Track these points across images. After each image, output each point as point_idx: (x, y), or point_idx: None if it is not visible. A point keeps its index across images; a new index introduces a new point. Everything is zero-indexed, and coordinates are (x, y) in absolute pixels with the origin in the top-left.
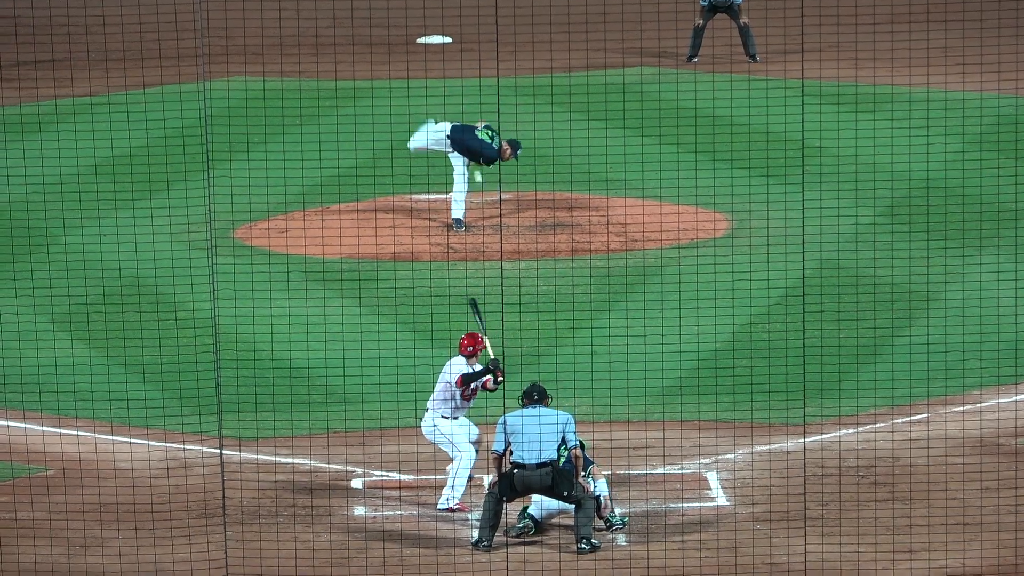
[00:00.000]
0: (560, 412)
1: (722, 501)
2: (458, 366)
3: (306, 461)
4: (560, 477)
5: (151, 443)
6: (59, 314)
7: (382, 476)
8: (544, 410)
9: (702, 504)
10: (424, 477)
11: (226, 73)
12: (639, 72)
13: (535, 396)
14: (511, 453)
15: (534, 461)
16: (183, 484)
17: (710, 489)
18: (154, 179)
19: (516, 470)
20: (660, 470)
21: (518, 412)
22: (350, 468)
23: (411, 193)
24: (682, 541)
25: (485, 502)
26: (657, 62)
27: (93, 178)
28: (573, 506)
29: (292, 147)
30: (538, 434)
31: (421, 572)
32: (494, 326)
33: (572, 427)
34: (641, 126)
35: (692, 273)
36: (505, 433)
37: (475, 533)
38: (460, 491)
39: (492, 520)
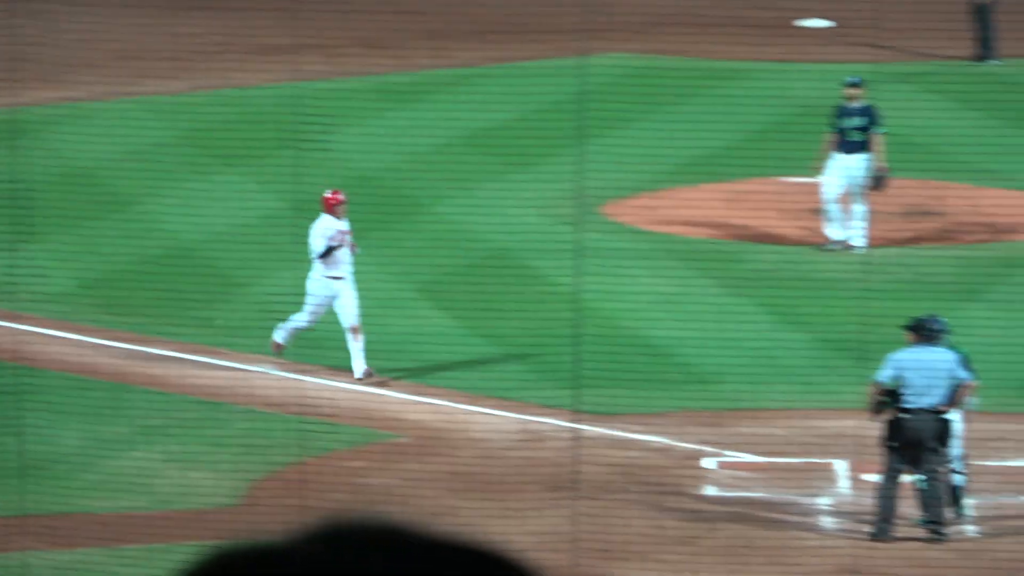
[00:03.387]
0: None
1: None
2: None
3: (659, 439)
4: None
5: (507, 414)
6: (423, 283)
7: (735, 457)
8: (936, 348)
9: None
10: (777, 459)
11: (605, 49)
12: (1017, 63)
13: (925, 332)
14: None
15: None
16: (536, 457)
17: None
18: (525, 152)
19: (904, 415)
20: (1015, 463)
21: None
22: (703, 447)
23: (781, 175)
24: None
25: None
26: None
27: (465, 149)
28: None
29: (665, 125)
30: (930, 374)
31: (769, 556)
32: (855, 312)
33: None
34: (1016, 117)
35: None
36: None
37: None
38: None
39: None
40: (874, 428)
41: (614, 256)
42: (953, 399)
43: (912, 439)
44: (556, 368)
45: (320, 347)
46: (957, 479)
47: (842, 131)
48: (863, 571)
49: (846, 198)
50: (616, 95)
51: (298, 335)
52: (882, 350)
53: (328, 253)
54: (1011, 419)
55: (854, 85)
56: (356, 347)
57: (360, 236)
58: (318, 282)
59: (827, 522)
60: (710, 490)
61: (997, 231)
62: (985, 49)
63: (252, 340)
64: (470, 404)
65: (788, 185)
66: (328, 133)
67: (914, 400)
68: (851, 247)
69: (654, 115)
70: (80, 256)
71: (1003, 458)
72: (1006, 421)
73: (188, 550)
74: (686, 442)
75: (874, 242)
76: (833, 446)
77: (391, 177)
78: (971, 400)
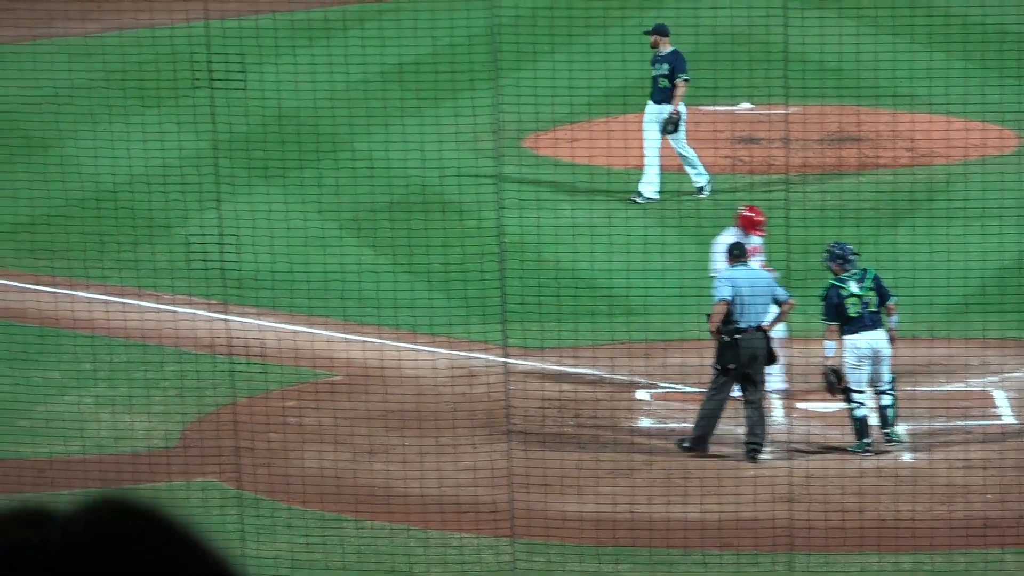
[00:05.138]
0: (764, 271)
1: (1009, 419)
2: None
3: (592, 371)
4: (771, 343)
5: (437, 351)
6: (347, 220)
7: (667, 388)
8: (755, 269)
9: (987, 422)
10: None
11: None
12: None
13: (737, 254)
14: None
15: (754, 324)
16: (468, 392)
17: (996, 407)
18: (441, 87)
19: (738, 336)
20: (945, 387)
21: (733, 271)
22: (636, 379)
23: (700, 105)
24: (966, 459)
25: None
26: None
27: (382, 85)
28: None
29: (580, 56)
30: (757, 295)
31: (706, 486)
32: (779, 239)
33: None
34: (929, 40)
35: (979, 189)
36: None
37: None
38: None
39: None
40: (807, 356)
41: (536, 189)
42: (778, 318)
43: (746, 358)
44: (484, 303)
45: (247, 287)
46: (888, 402)
47: (653, 80)
48: (799, 499)
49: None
50: (531, 27)
51: None
52: (805, 277)
53: None
54: (938, 344)
55: (654, 32)
56: None
57: (281, 174)
58: None
59: (764, 452)
60: (645, 422)
61: (917, 155)
62: None
63: (179, 281)
64: (400, 341)
65: (707, 114)
66: (243, 72)
67: (746, 319)
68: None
69: (568, 47)
70: (3, 201)
71: (933, 383)
72: (934, 346)
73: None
74: (618, 374)
75: (796, 169)
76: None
77: (309, 114)
78: (893, 319)
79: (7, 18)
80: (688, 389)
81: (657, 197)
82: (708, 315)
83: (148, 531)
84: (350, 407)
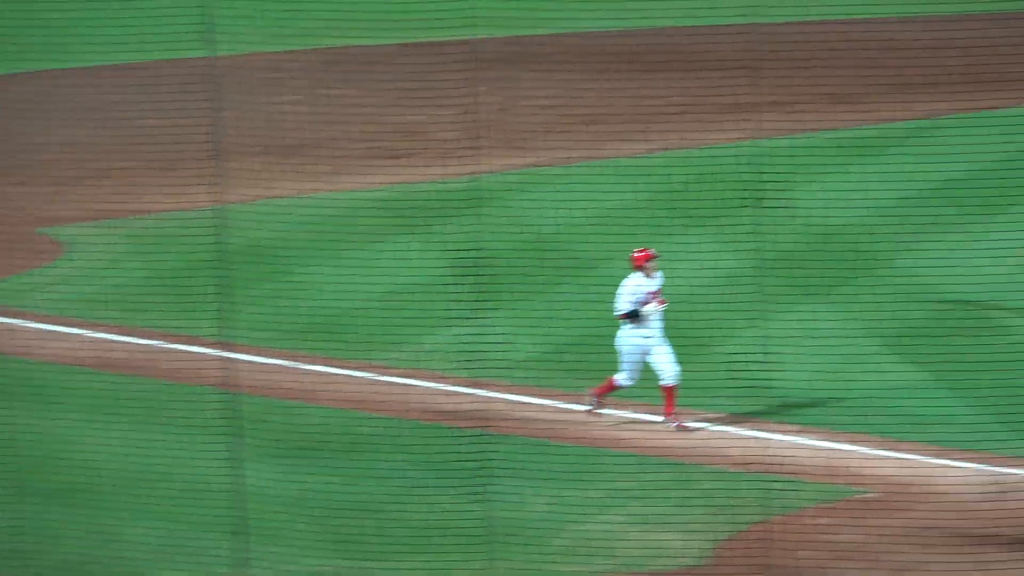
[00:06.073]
0: None
1: None
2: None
3: None
4: None
5: (974, 465)
6: (889, 337)
7: None
8: None
9: None
10: None
11: None
12: None
13: None
14: None
15: None
16: (1004, 508)
17: None
18: (987, 202)
19: None
20: None
21: None
22: None
23: None
24: None
25: None
26: None
27: (927, 201)
28: None
29: None
30: None
31: None
32: None
33: None
34: None
35: None
36: None
37: None
38: None
39: None
40: None
41: None
42: None
43: None
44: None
45: (787, 404)
46: None
47: None
48: None
49: None
50: None
51: (617, 390)
52: None
53: (635, 314)
54: None
55: None
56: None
57: (824, 292)
58: (628, 340)
59: None
60: None
61: None
62: None
63: (718, 400)
64: (937, 457)
65: None
66: (789, 189)
67: None
68: None
69: None
70: (545, 321)
71: None
72: None
73: None
74: None
75: None
76: None
77: (853, 231)
78: None
79: (560, 140)
80: None
81: None
82: None
83: None
84: (885, 524)
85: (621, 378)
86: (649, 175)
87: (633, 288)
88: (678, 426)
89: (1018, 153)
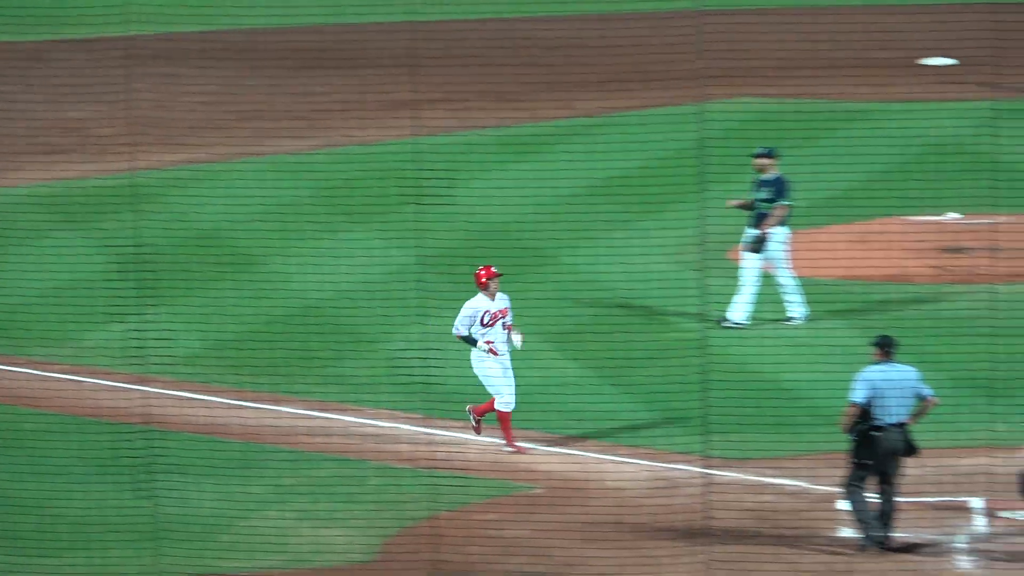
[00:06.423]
0: (908, 367)
1: None
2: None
3: (793, 482)
4: (911, 438)
5: (639, 462)
6: (552, 333)
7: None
8: (900, 366)
9: None
10: (913, 499)
11: (725, 95)
12: None
13: (890, 350)
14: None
15: (893, 421)
16: (669, 504)
17: None
18: (650, 200)
19: (876, 432)
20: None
21: (874, 368)
22: (837, 489)
23: (907, 215)
24: None
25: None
26: None
27: (589, 198)
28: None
29: (790, 168)
30: (898, 393)
31: None
32: (984, 349)
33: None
34: None
35: None
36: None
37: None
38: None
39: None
40: (1011, 464)
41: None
42: (918, 414)
43: (884, 454)
44: (687, 414)
45: (451, 401)
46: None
47: (754, 203)
48: None
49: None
50: (738, 140)
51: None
52: (1013, 387)
53: (471, 339)
54: None
55: (760, 156)
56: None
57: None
58: (481, 362)
59: (964, 560)
60: (846, 532)
61: None
62: None
63: (384, 396)
64: (602, 453)
65: (914, 224)
66: (452, 187)
67: (885, 416)
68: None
69: (780, 158)
70: (208, 317)
71: None
72: None
73: None
74: (820, 485)
75: (1003, 279)
76: (967, 484)
77: (516, 229)
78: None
79: (220, 136)
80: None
81: (745, 323)
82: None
83: None
84: (551, 519)
85: (499, 403)
86: (312, 172)
87: (472, 309)
88: (474, 428)
89: (679, 151)
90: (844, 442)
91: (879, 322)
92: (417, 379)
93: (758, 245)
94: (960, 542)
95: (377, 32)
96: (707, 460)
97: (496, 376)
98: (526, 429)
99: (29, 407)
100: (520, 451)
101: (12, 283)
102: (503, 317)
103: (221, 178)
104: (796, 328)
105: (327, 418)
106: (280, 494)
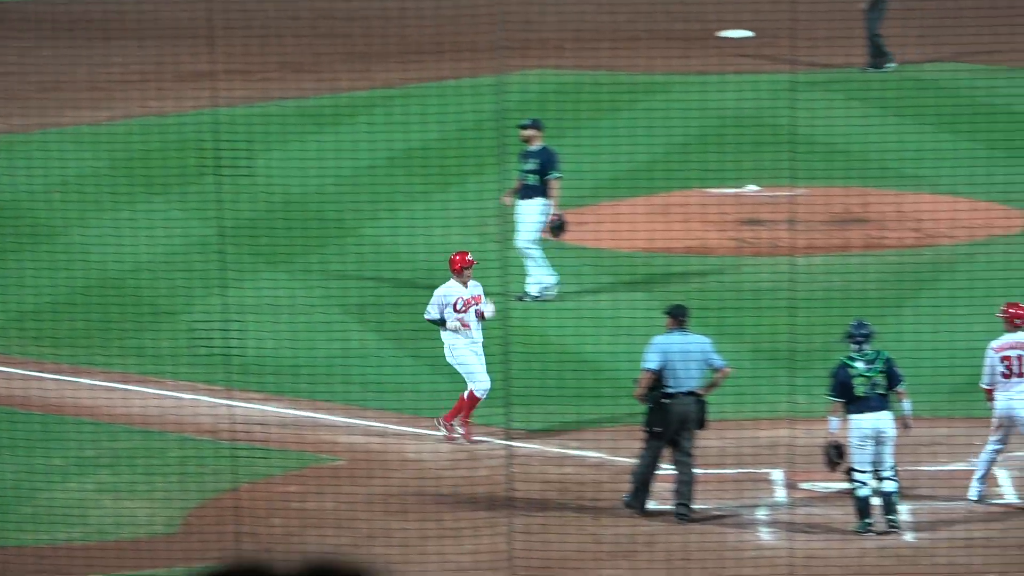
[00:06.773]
0: (701, 337)
1: (1011, 498)
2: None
3: (594, 453)
4: (705, 408)
5: (440, 434)
6: (352, 305)
7: (669, 470)
8: (692, 335)
9: (991, 501)
10: (713, 471)
11: (524, 66)
12: (936, 68)
13: (682, 319)
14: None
15: (684, 390)
16: (471, 476)
17: (999, 486)
18: (449, 171)
19: (667, 400)
20: (948, 467)
21: (667, 337)
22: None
23: (705, 187)
24: (968, 539)
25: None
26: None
27: (389, 170)
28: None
29: (588, 141)
30: (690, 361)
31: (708, 566)
32: (784, 321)
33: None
34: (936, 121)
35: (985, 269)
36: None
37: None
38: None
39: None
40: (811, 436)
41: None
42: (711, 385)
43: (676, 422)
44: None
45: (252, 373)
46: (891, 488)
47: (522, 175)
48: None
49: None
50: (537, 112)
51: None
52: (812, 358)
53: (441, 321)
54: (942, 423)
55: (526, 127)
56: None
57: (287, 259)
58: (455, 348)
59: (765, 531)
60: (649, 504)
61: (923, 236)
62: (877, 56)
63: (184, 368)
64: (403, 426)
65: (713, 196)
66: (251, 157)
67: (676, 385)
68: (541, 296)
69: (576, 131)
70: (7, 289)
71: (936, 462)
72: (938, 425)
73: None
74: (621, 456)
75: (801, 251)
76: (768, 456)
77: (317, 200)
78: (906, 405)
79: (16, 107)
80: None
81: (552, 293)
82: (635, 379)
83: None
84: (353, 491)
85: (475, 389)
86: (111, 143)
87: (444, 294)
88: (447, 437)
89: (478, 123)
90: (644, 413)
91: (680, 294)
92: (218, 351)
93: (556, 231)
94: (761, 513)
95: (175, 3)
96: (508, 432)
97: (471, 363)
98: (321, 400)
99: None
100: (451, 439)
101: None
102: (476, 304)
103: (19, 149)
104: (596, 300)
105: (128, 390)
106: (81, 466)
